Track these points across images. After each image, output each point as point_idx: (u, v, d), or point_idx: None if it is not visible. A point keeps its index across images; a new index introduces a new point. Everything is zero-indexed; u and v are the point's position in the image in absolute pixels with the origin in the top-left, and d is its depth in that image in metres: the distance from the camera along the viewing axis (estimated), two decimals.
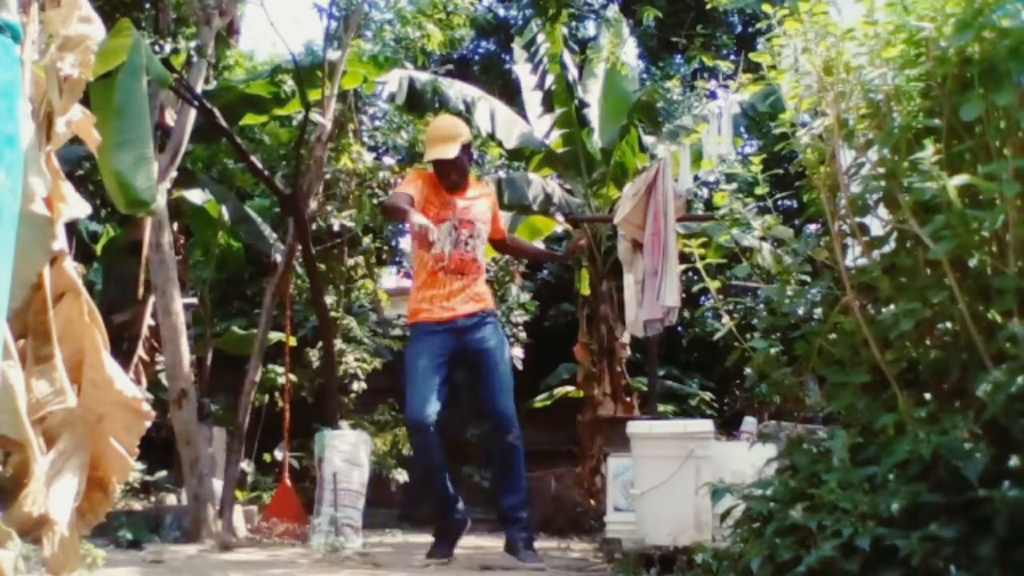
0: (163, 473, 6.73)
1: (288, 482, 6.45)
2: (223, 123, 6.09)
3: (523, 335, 9.21)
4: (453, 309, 4.15)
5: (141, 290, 7.26)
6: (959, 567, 1.85)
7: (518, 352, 9.11)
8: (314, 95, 6.50)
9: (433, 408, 4.03)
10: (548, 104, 8.21)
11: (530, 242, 4.66)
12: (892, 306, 2.35)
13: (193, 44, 5.54)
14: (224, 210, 7.82)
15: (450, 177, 4.21)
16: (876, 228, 2.56)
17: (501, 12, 12.73)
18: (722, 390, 9.40)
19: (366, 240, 8.15)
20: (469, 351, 4.18)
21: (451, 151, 4.14)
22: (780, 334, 2.95)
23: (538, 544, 6.02)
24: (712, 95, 8.43)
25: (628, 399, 7.86)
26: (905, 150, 2.34)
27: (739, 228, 2.96)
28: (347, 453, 5.07)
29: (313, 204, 6.36)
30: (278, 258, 6.65)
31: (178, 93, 5.73)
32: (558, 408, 9.19)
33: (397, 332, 8.55)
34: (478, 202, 4.32)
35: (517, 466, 4.19)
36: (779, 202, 3.31)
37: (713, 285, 3.15)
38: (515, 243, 5.07)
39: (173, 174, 5.56)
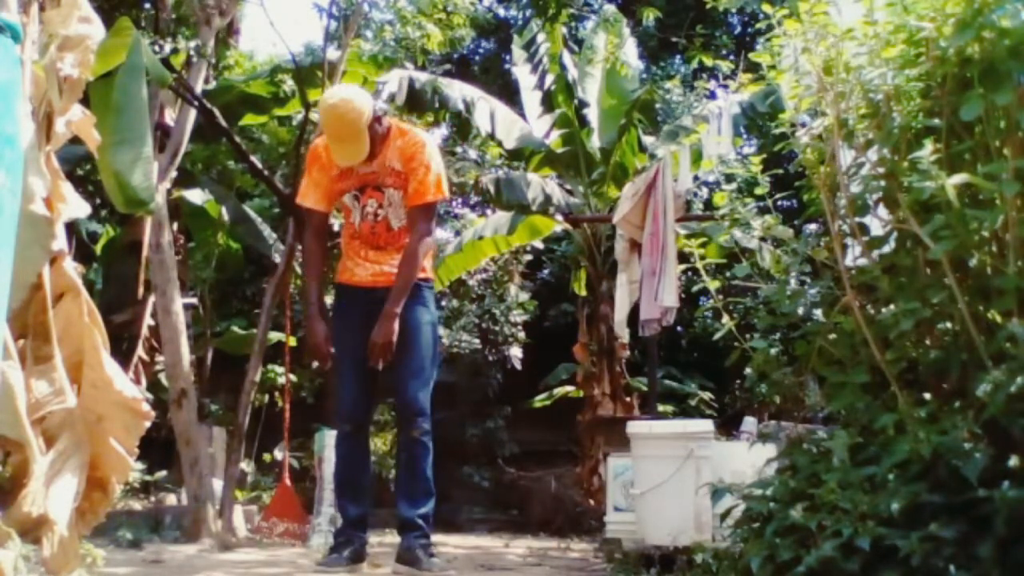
0: (163, 473, 6.73)
1: (288, 482, 6.45)
2: (223, 123, 6.09)
3: (522, 335, 9.22)
4: (371, 274, 3.60)
5: (141, 290, 7.27)
6: (959, 567, 1.85)
7: (517, 352, 9.13)
8: (314, 95, 6.51)
9: (366, 406, 3.73)
10: (548, 104, 8.22)
11: (402, 275, 3.53)
12: (892, 306, 2.35)
13: (193, 44, 5.55)
14: (224, 210, 7.82)
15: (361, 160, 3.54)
16: (876, 228, 2.55)
17: (501, 12, 12.74)
18: (722, 390, 9.40)
19: None
20: None
21: (361, 150, 3.45)
22: (780, 334, 2.94)
23: (538, 544, 6.05)
24: (712, 95, 8.44)
25: (628, 399, 7.87)
26: (905, 150, 2.33)
27: (739, 228, 2.96)
28: None
29: None
30: (278, 258, 6.66)
31: (178, 93, 5.74)
32: (558, 408, 9.20)
33: None
34: (390, 163, 3.57)
35: (422, 467, 3.54)
36: (779, 202, 3.31)
37: (713, 285, 3.15)
38: (409, 246, 3.58)
39: (173, 174, 5.57)
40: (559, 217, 7.87)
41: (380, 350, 3.46)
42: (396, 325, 3.46)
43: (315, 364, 7.84)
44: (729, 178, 5.25)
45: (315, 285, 3.80)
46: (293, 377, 7.42)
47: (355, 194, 3.60)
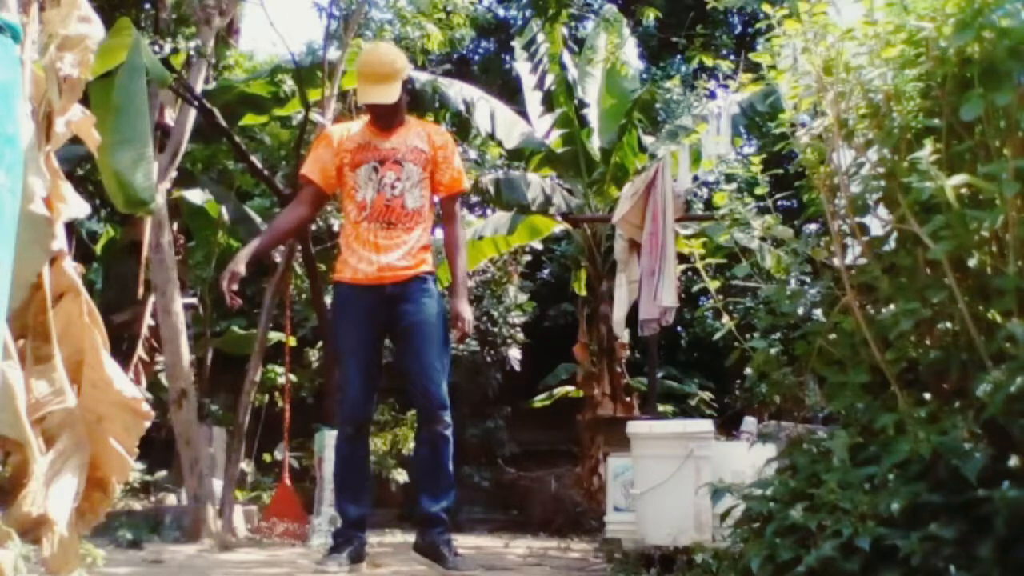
0: (163, 473, 6.74)
1: (288, 482, 6.46)
2: (223, 123, 6.10)
3: (521, 336, 9.22)
4: (377, 268, 3.53)
5: (141, 290, 7.27)
6: (959, 567, 1.85)
7: (515, 354, 9.14)
8: (314, 95, 6.51)
9: (370, 407, 3.68)
10: (548, 104, 8.23)
11: (459, 266, 3.72)
12: (892, 306, 2.35)
13: (193, 44, 5.55)
14: (224, 210, 7.82)
15: (386, 118, 3.62)
16: (876, 228, 2.55)
17: (501, 12, 12.75)
18: (722, 390, 9.41)
19: None
20: (400, 323, 3.55)
21: (391, 94, 3.53)
22: (780, 334, 2.94)
23: (538, 544, 6.04)
24: (712, 95, 8.45)
25: (628, 399, 7.87)
26: (905, 150, 2.33)
27: (739, 228, 2.96)
28: None
29: None
30: (278, 258, 6.66)
31: (178, 93, 5.74)
32: (558, 408, 9.21)
33: None
34: (411, 142, 3.64)
35: (444, 462, 3.51)
36: (779, 202, 3.31)
37: (713, 285, 3.15)
38: (450, 241, 3.77)
39: (173, 174, 5.57)
40: (559, 217, 7.87)
41: (469, 326, 3.65)
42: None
43: (314, 364, 7.82)
44: (729, 178, 5.25)
45: (265, 237, 3.85)
46: (293, 377, 7.42)
47: (374, 165, 3.59)
